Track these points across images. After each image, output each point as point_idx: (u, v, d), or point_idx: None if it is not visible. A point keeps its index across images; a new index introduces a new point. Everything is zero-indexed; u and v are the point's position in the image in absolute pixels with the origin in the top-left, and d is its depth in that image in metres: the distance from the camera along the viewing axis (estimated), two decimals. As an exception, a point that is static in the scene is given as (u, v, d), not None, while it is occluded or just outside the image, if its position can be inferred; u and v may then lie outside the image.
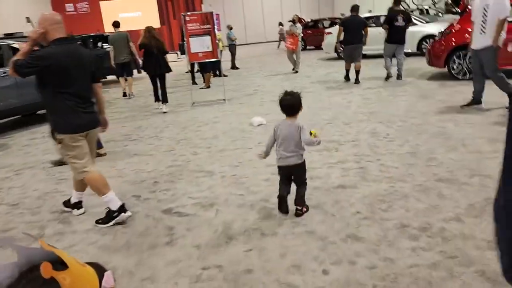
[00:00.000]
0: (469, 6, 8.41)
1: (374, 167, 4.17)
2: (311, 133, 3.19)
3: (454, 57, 8.24)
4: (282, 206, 3.32)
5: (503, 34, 5.71)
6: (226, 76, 13.21)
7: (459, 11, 8.46)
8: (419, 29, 12.96)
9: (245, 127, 6.35)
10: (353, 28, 9.41)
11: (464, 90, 7.32)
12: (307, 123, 3.37)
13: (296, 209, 3.28)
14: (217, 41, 12.62)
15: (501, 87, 5.91)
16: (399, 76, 9.28)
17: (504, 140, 0.83)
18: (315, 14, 31.96)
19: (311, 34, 21.44)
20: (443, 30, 8.77)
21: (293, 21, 12.10)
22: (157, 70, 8.05)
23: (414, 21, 13.32)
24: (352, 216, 3.20)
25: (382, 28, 9.70)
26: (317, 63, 14.75)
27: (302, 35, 13.36)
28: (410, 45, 12.97)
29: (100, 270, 0.83)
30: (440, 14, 18.29)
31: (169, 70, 8.25)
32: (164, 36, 30.94)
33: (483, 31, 5.72)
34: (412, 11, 17.80)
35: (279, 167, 3.34)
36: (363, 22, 9.62)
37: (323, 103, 7.64)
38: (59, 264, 0.73)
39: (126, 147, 5.95)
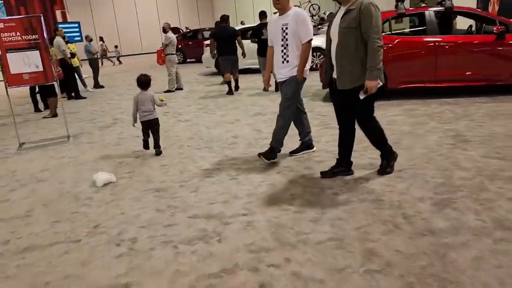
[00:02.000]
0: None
1: (284, 283, 2.40)
2: (161, 100, 5.09)
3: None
4: (146, 145, 5.13)
5: (308, 63, 4.24)
6: (85, 98, 10.68)
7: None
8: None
9: (82, 191, 4.18)
10: (224, 39, 9.24)
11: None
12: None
13: (156, 150, 5.12)
14: (66, 55, 10.07)
15: (281, 132, 4.35)
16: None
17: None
18: (195, 23, 30.37)
19: (191, 45, 19.62)
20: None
21: (164, 30, 10.15)
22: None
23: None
24: None
25: (251, 41, 9.80)
26: (197, 79, 12.95)
27: (176, 46, 11.43)
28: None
29: None
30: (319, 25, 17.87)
31: None
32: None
33: (286, 59, 4.22)
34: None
35: (142, 122, 5.04)
36: (234, 33, 9.35)
37: (201, 138, 5.78)
38: None
39: None
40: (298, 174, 4.09)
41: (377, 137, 3.80)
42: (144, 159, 5.02)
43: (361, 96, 3.48)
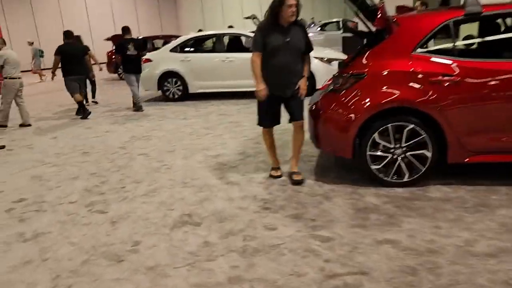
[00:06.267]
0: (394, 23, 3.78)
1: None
2: None
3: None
4: None
5: None
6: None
7: (376, 29, 3.78)
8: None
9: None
10: (72, 56, 8.03)
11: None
12: None
13: None
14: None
15: None
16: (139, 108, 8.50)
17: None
18: (157, 30, 27.29)
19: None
20: (339, 65, 4.19)
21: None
22: None
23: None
24: None
25: (114, 59, 9.19)
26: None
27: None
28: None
29: None
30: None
31: None
32: None
33: None
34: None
35: None
36: (82, 49, 8.51)
37: None
38: None
39: None
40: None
41: None
42: None
43: None
